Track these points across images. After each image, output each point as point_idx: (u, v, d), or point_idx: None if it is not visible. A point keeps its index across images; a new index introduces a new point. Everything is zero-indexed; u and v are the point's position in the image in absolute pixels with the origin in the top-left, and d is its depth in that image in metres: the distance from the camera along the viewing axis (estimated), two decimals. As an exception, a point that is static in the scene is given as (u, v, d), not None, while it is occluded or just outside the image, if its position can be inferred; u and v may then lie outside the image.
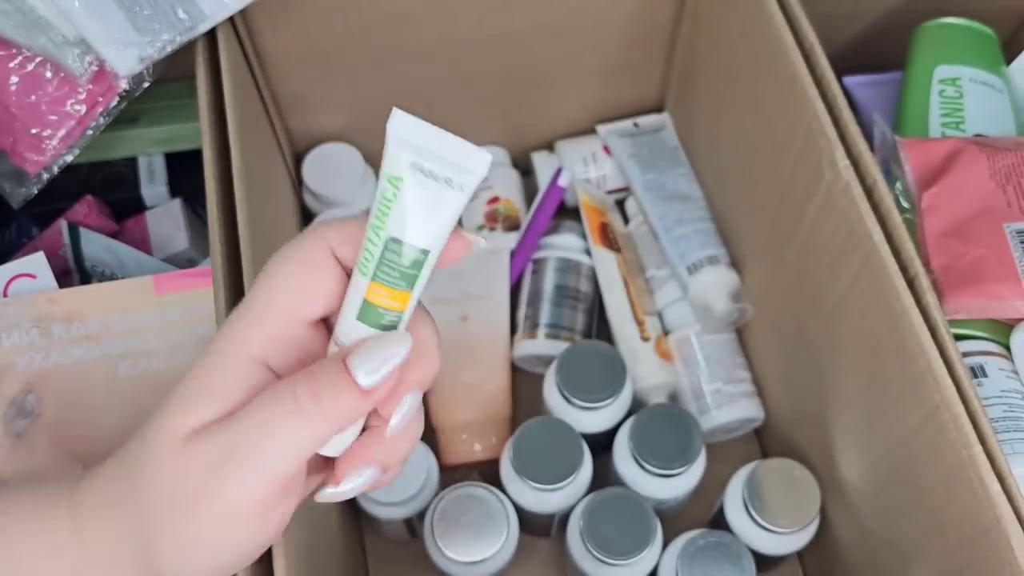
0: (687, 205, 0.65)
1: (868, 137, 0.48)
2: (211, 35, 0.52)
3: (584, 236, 0.67)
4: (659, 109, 0.72)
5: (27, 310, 0.52)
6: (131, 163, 0.67)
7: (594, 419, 0.57)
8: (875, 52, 0.65)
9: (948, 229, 0.50)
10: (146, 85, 0.54)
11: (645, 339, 0.64)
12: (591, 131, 0.72)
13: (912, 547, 0.47)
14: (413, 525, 0.58)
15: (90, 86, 0.54)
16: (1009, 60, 0.62)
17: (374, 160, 0.69)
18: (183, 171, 0.68)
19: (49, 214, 0.64)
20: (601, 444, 0.58)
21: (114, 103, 0.55)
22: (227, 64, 0.51)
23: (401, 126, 0.28)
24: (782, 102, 0.51)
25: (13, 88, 0.54)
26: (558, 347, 0.63)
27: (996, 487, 0.39)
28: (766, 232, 0.58)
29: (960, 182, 0.51)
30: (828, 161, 0.47)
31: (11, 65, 0.53)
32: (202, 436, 0.29)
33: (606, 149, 0.71)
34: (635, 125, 0.71)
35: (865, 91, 0.64)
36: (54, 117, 0.54)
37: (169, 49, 0.51)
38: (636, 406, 0.59)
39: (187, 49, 0.51)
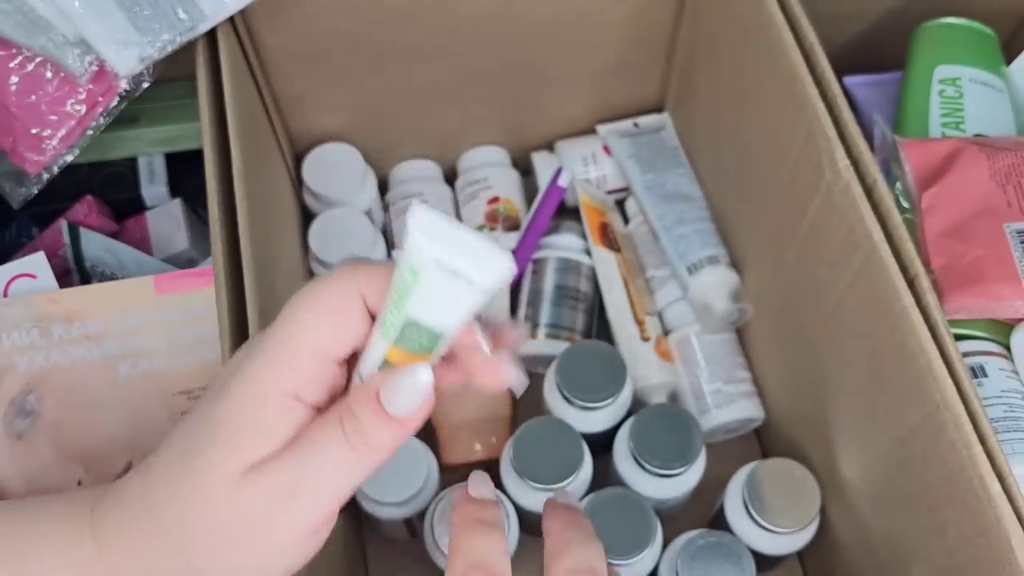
0: (687, 205, 0.65)
1: (868, 137, 0.48)
2: (211, 35, 0.52)
3: (584, 236, 0.67)
4: (659, 109, 0.72)
5: (27, 310, 0.52)
6: (131, 163, 0.67)
7: (594, 419, 0.57)
8: (875, 52, 0.65)
9: (948, 229, 0.50)
10: (146, 85, 0.54)
11: (645, 339, 0.64)
12: (591, 131, 0.72)
13: (912, 547, 0.47)
14: (413, 525, 0.58)
15: (90, 86, 0.54)
16: (1009, 60, 0.62)
17: (374, 160, 0.69)
18: (183, 171, 0.68)
19: (49, 214, 0.64)
20: (601, 444, 0.58)
21: (114, 103, 0.55)
22: (227, 64, 0.51)
23: (424, 221, 0.29)
24: (782, 102, 0.51)
25: (13, 88, 0.54)
26: (558, 347, 0.63)
27: (996, 487, 0.39)
28: (766, 232, 0.58)
29: (960, 182, 0.51)
30: (828, 161, 0.47)
31: (11, 65, 0.53)
32: (262, 471, 0.31)
33: (606, 149, 0.71)
34: (635, 125, 0.71)
35: (865, 91, 0.64)
36: (54, 117, 0.54)
37: (169, 49, 0.51)
38: (636, 406, 0.59)
39: (187, 49, 0.51)
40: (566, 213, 0.70)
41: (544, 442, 0.55)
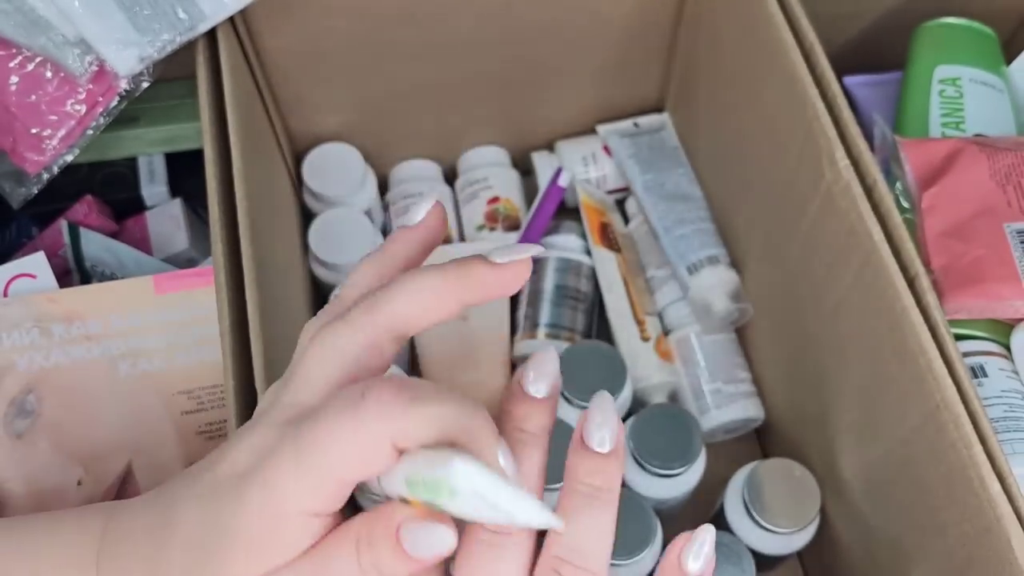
0: (687, 205, 0.65)
1: (868, 137, 0.48)
2: (211, 35, 0.52)
3: (584, 236, 0.67)
4: (659, 109, 0.72)
5: (27, 310, 0.52)
6: (131, 163, 0.67)
7: (594, 419, 0.57)
8: (875, 52, 0.65)
9: (948, 229, 0.50)
10: (146, 85, 0.54)
11: (645, 339, 0.64)
12: (591, 131, 0.72)
13: (912, 547, 0.47)
14: (413, 525, 0.58)
15: (90, 86, 0.54)
16: (1009, 60, 0.62)
17: (374, 160, 0.69)
18: (183, 171, 0.68)
19: (49, 214, 0.64)
20: (601, 444, 0.58)
21: (114, 103, 0.55)
22: (227, 64, 0.51)
23: (465, 480, 0.28)
24: (782, 102, 0.51)
25: (13, 88, 0.54)
26: (558, 347, 0.63)
27: (996, 487, 0.39)
28: (766, 232, 0.58)
29: (960, 182, 0.51)
30: (828, 161, 0.47)
31: (11, 65, 0.53)
32: None
33: (606, 149, 0.71)
34: (635, 125, 0.71)
35: (865, 91, 0.64)
36: (54, 117, 0.54)
37: (169, 49, 0.51)
38: (636, 406, 0.59)
39: (187, 49, 0.51)
40: (566, 213, 0.70)
41: (544, 442, 0.55)
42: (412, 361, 0.64)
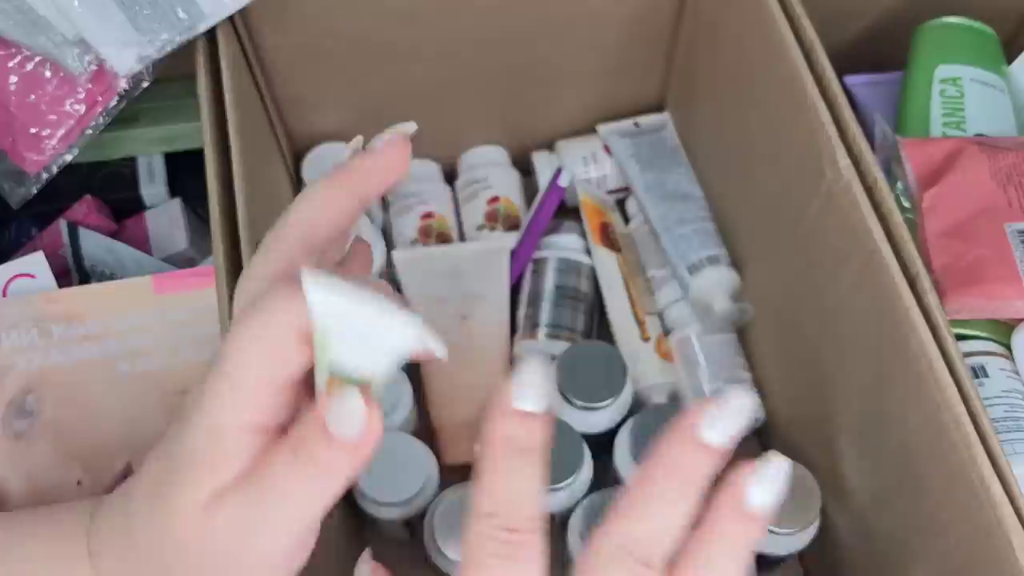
0: (688, 205, 0.65)
1: (869, 136, 0.48)
2: (211, 35, 0.52)
3: (584, 236, 0.67)
4: (659, 109, 0.72)
5: (27, 310, 0.52)
6: (131, 163, 0.67)
7: (594, 419, 0.57)
8: (876, 51, 0.65)
9: (949, 229, 0.50)
10: (146, 85, 0.54)
11: (646, 339, 0.64)
12: (591, 131, 0.72)
13: (912, 547, 0.47)
14: (413, 525, 0.58)
15: (89, 86, 0.54)
16: (1010, 60, 0.62)
17: (374, 160, 0.68)
18: (183, 171, 0.68)
19: (49, 214, 0.64)
20: (601, 444, 0.58)
21: (114, 103, 0.55)
22: (227, 64, 0.51)
23: (322, 288, 0.29)
24: (783, 101, 0.51)
25: (13, 88, 0.54)
26: (558, 347, 0.63)
27: (997, 487, 0.39)
28: (767, 232, 0.58)
29: (961, 182, 0.51)
30: (829, 161, 0.47)
31: (11, 65, 0.53)
32: (222, 502, 0.31)
33: (606, 149, 0.71)
34: (636, 125, 0.71)
35: (866, 90, 0.64)
36: (53, 117, 0.54)
37: (169, 49, 0.51)
38: (637, 406, 0.59)
39: (187, 49, 0.51)
40: (566, 213, 0.69)
41: (544, 442, 0.55)
42: (412, 361, 0.64)
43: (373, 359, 0.31)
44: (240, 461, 0.31)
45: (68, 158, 0.56)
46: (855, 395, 0.50)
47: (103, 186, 0.66)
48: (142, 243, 0.64)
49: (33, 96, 0.54)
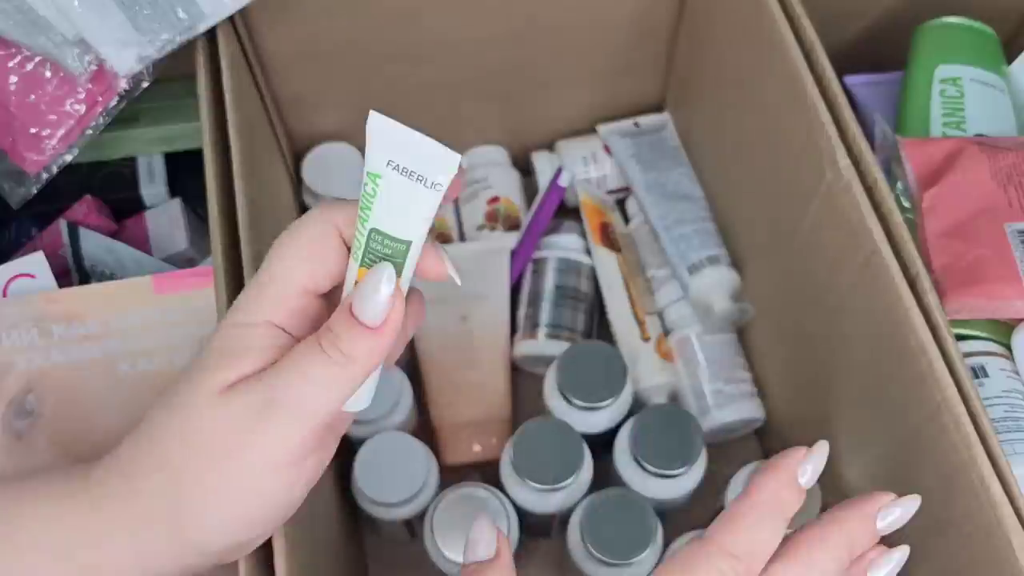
0: (688, 205, 0.65)
1: (869, 136, 0.48)
2: (211, 35, 0.52)
3: (584, 236, 0.67)
4: (659, 109, 0.72)
5: (27, 310, 0.52)
6: (131, 163, 0.67)
7: (594, 419, 0.57)
8: (876, 51, 0.65)
9: (949, 229, 0.50)
10: (146, 85, 0.54)
11: (646, 339, 0.64)
12: (591, 131, 0.72)
13: (913, 547, 0.47)
14: (413, 525, 0.58)
15: (89, 86, 0.54)
16: (1010, 60, 0.62)
17: (374, 160, 0.68)
18: (183, 171, 0.68)
19: (49, 214, 0.63)
20: (601, 444, 0.58)
21: (114, 103, 0.55)
22: (227, 64, 0.51)
23: (378, 126, 0.31)
24: (783, 101, 0.51)
25: (13, 88, 0.54)
26: (558, 347, 0.63)
27: (997, 487, 0.39)
28: (767, 232, 0.58)
29: (961, 182, 0.51)
30: (829, 161, 0.47)
31: (11, 65, 0.53)
32: (240, 387, 0.32)
33: (607, 149, 0.71)
34: (636, 125, 0.71)
35: (866, 90, 0.64)
36: (53, 117, 0.54)
37: (169, 49, 0.51)
38: (636, 406, 0.59)
39: (187, 49, 0.51)
40: (566, 213, 0.69)
41: (544, 442, 0.55)
42: (412, 361, 0.64)
43: (408, 224, 0.31)
44: (263, 355, 0.33)
45: (68, 158, 0.56)
46: (855, 395, 0.50)
47: (103, 186, 0.66)
48: (142, 243, 0.64)
49: (33, 96, 0.54)
